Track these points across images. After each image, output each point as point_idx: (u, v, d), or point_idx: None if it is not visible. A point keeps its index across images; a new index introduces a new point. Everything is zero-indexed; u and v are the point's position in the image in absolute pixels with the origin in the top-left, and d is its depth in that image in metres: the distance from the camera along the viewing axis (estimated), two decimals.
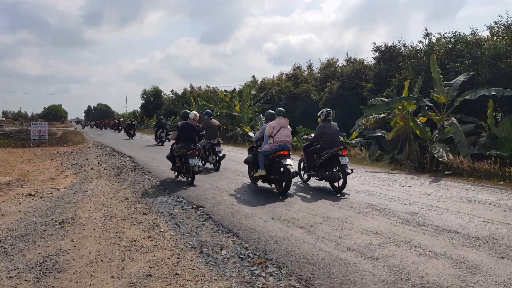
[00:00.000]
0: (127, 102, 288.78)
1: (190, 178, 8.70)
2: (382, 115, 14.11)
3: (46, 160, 14.61)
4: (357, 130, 15.11)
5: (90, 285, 3.56)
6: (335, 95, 21.96)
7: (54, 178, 9.94)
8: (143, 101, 65.05)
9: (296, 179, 8.58)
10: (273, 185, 8.00)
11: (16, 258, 4.26)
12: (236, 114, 26.74)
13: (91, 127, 66.10)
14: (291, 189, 7.81)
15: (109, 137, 31.72)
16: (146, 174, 10.52)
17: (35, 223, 5.69)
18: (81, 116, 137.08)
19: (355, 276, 3.62)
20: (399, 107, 12.19)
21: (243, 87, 29.82)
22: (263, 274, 3.75)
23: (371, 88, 19.25)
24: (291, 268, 3.85)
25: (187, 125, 9.21)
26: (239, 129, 25.10)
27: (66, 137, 31.98)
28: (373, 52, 21.05)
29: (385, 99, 13.46)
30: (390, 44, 20.09)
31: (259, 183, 8.53)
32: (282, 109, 8.33)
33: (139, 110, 69.63)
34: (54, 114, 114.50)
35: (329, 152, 7.76)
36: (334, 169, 7.73)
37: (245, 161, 8.83)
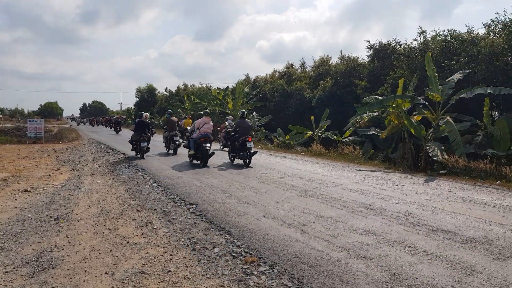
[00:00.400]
0: (121, 99, 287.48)
1: (141, 155, 13.61)
2: (376, 113, 14.18)
3: (42, 156, 14.56)
4: (351, 128, 15.18)
5: (84, 281, 3.59)
6: (328, 93, 22.01)
7: (49, 175, 9.93)
8: (137, 99, 64.83)
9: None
10: (199, 162, 11.55)
11: (12, 253, 4.28)
12: (229, 111, 26.74)
13: (83, 124, 66.49)
14: (291, 186, 7.86)
15: (102, 134, 31.77)
16: (140, 171, 10.54)
17: (31, 219, 5.70)
18: (77, 113, 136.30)
19: (348, 276, 3.65)
20: (394, 105, 12.26)
21: (236, 84, 29.82)
22: (255, 273, 3.80)
23: (365, 86, 19.30)
24: (283, 267, 3.90)
25: (140, 121, 14.02)
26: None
27: (61, 134, 31.83)
28: (367, 50, 21.11)
29: (379, 97, 13.52)
30: (384, 42, 20.18)
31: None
32: (207, 110, 13.21)
33: (133, 107, 69.37)
34: (50, 111, 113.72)
35: (241, 139, 11.52)
36: (245, 151, 11.43)
37: (184, 146, 13.01)
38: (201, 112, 12.79)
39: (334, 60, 28.92)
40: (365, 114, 14.14)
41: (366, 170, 10.89)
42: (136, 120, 14.38)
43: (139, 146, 13.50)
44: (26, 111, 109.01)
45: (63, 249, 4.44)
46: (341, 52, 35.34)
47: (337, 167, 11.59)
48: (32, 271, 3.80)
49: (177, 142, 14.86)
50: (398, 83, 13.17)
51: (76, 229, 5.21)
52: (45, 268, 3.88)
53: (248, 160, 11.39)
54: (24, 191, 7.78)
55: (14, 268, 3.87)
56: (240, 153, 11.64)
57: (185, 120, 20.56)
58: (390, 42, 19.94)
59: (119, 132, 33.09)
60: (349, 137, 16.55)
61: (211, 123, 12.13)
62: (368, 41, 21.68)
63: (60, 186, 8.39)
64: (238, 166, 11.35)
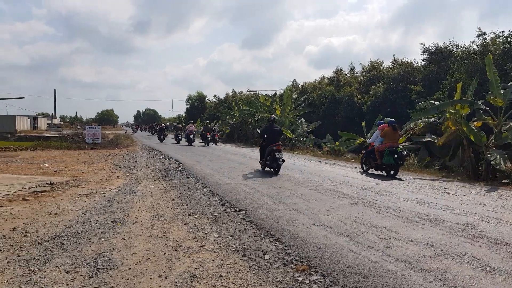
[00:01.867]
0: (172, 106, 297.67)
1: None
2: (432, 119, 13.57)
3: (99, 161, 15.38)
4: (405, 135, 14.61)
5: (139, 282, 3.70)
6: (380, 99, 21.41)
7: (106, 179, 10.44)
8: (187, 106, 66.83)
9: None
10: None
11: (73, 254, 4.51)
12: (277, 118, 26.79)
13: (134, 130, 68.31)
14: (342, 194, 7.70)
15: (154, 140, 32.55)
16: (191, 176, 10.79)
17: (90, 221, 6.00)
18: (131, 120, 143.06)
19: None
20: (451, 110, 11.65)
21: (284, 91, 29.82)
22: (307, 281, 3.72)
23: (419, 91, 18.58)
24: (336, 277, 3.79)
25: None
26: None
27: (117, 140, 33.47)
28: (422, 53, 20.37)
29: (435, 103, 12.94)
30: (440, 44, 19.34)
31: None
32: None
33: (184, 114, 71.54)
34: (106, 118, 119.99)
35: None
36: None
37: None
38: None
39: (386, 64, 28.18)
40: (420, 120, 13.57)
41: (422, 179, 10.40)
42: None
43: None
44: (84, 118, 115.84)
45: (119, 251, 4.62)
46: (393, 56, 34.35)
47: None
48: (92, 271, 3.98)
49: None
50: (455, 87, 12.54)
51: (132, 232, 5.41)
52: (104, 268, 4.04)
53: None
54: (83, 194, 8.22)
55: (75, 268, 4.07)
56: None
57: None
58: (447, 45, 19.11)
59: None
60: (403, 144, 15.92)
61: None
62: (422, 44, 20.96)
63: (117, 190, 8.78)
64: (285, 174, 11.28)
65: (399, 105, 19.71)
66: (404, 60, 24.15)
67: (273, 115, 12.12)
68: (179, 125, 32.10)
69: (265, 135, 11.43)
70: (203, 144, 25.41)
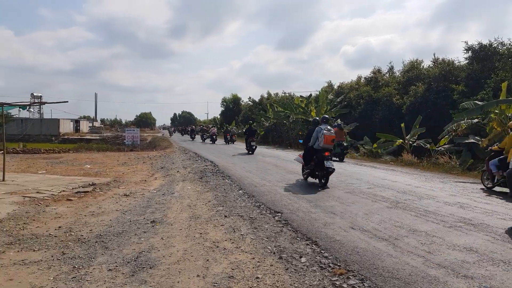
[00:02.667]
0: (208, 109, 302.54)
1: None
2: (476, 120, 13.00)
3: (138, 163, 15.88)
4: (446, 136, 14.09)
5: (178, 282, 3.78)
6: (420, 99, 20.75)
7: (145, 180, 10.75)
8: (222, 108, 67.57)
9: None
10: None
11: (115, 252, 4.68)
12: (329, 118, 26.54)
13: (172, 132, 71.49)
14: (380, 197, 7.53)
15: (190, 142, 33.61)
16: (226, 178, 10.90)
17: (130, 221, 6.20)
18: (168, 122, 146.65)
19: None
20: (496, 111, 11.13)
21: (319, 92, 29.53)
22: (345, 286, 3.66)
23: (462, 90, 17.86)
24: (375, 282, 3.70)
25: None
26: None
27: (155, 142, 34.47)
28: (465, 51, 19.58)
29: (479, 103, 12.40)
30: (485, 42, 18.50)
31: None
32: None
33: (219, 116, 72.45)
34: (145, 121, 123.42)
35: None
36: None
37: None
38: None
39: (426, 63, 27.27)
40: (463, 121, 13.03)
41: (465, 182, 9.97)
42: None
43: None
44: (123, 121, 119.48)
45: (159, 250, 4.74)
46: (434, 54, 33.23)
47: (431, 178, 10.79)
48: (132, 270, 4.10)
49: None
50: (500, 86, 11.94)
51: (170, 232, 5.54)
52: (144, 267, 4.16)
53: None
54: (124, 195, 8.50)
55: (117, 266, 4.22)
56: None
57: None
58: (492, 42, 18.24)
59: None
60: (444, 146, 15.34)
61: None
62: (465, 42, 20.09)
63: (155, 191, 9.02)
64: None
65: (440, 105, 19.02)
66: (446, 59, 23.29)
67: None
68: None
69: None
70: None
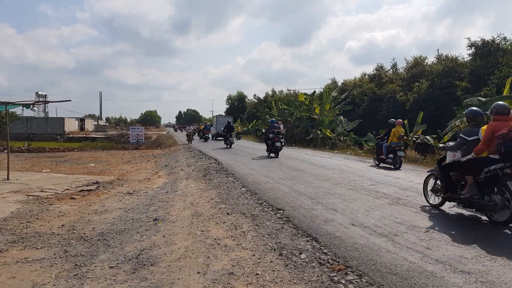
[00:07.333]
0: (213, 107, 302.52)
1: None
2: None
3: (142, 161, 15.98)
4: (450, 133, 14.05)
5: (179, 278, 3.84)
6: (424, 95, 20.71)
7: (149, 178, 10.84)
8: (227, 106, 67.63)
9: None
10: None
11: (116, 250, 4.75)
12: (316, 117, 26.48)
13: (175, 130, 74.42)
14: (382, 194, 7.56)
15: (195, 141, 33.65)
16: (230, 176, 10.95)
17: (133, 219, 6.28)
18: (173, 120, 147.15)
19: None
20: None
21: (323, 89, 29.50)
22: (343, 281, 3.70)
23: (465, 87, 17.79)
24: (372, 277, 3.74)
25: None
26: (319, 132, 24.84)
27: (159, 140, 34.64)
28: (468, 47, 19.47)
29: (483, 99, 12.35)
30: (487, 38, 18.39)
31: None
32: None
33: (224, 114, 72.60)
34: (150, 119, 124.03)
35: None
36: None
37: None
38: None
39: (430, 60, 27.16)
40: None
41: None
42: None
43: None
44: (128, 119, 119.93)
45: (160, 248, 4.80)
46: (437, 51, 33.11)
47: None
48: (133, 267, 4.17)
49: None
50: (504, 82, 11.87)
51: (172, 230, 5.60)
52: (145, 265, 4.23)
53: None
54: (127, 193, 8.59)
55: (118, 264, 4.28)
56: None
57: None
58: (495, 38, 18.10)
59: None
60: (448, 142, 15.29)
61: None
62: (468, 38, 19.97)
63: (158, 189, 9.10)
64: (324, 173, 11.18)
65: (443, 102, 18.96)
66: (449, 55, 23.21)
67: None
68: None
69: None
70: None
